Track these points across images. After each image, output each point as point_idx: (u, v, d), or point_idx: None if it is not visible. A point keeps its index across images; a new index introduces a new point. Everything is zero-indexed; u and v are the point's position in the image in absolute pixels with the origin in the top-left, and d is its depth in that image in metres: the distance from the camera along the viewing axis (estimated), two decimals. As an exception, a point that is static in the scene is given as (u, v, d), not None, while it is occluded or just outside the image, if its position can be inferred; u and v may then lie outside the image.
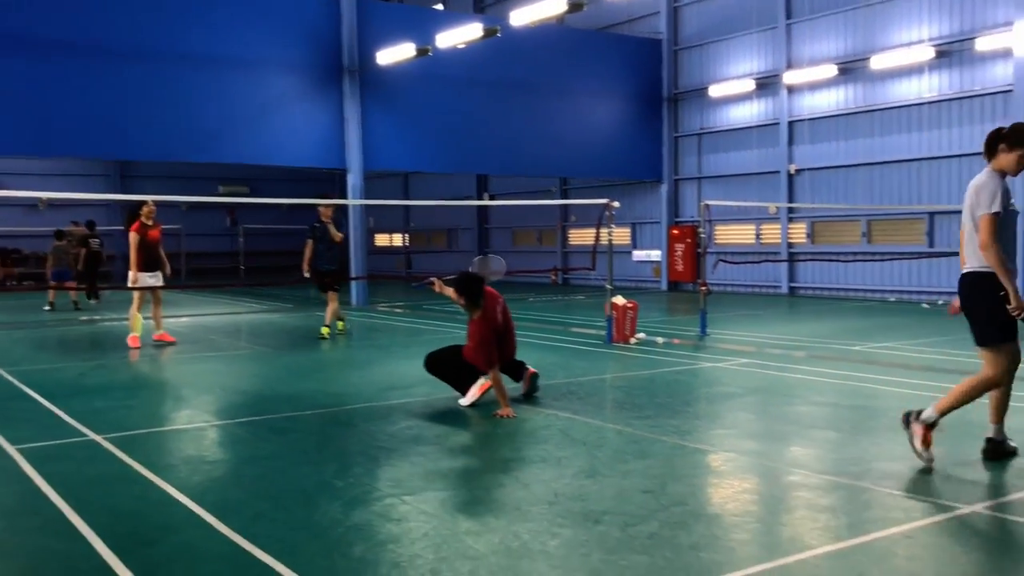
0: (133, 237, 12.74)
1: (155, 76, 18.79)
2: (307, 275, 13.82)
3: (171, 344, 13.03)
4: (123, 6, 18.58)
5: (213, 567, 4.18)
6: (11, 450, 6.47)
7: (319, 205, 14.05)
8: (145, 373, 10.73)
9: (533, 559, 4.18)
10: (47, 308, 20.05)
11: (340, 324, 14.22)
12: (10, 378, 9.91)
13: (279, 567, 4.11)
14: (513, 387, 8.66)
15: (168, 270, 13.31)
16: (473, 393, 8.11)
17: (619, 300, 12.86)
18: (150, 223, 12.93)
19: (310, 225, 13.97)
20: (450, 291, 8.30)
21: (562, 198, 30.17)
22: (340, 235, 13.84)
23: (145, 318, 13.39)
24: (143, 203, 12.96)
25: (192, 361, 11.73)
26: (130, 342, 12.82)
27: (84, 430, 7.16)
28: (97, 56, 18.20)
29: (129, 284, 12.77)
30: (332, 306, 13.77)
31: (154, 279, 13.03)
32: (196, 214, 37.23)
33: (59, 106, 17.85)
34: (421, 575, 4.00)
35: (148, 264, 12.89)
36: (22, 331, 15.59)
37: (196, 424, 7.71)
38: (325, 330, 13.79)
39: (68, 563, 4.25)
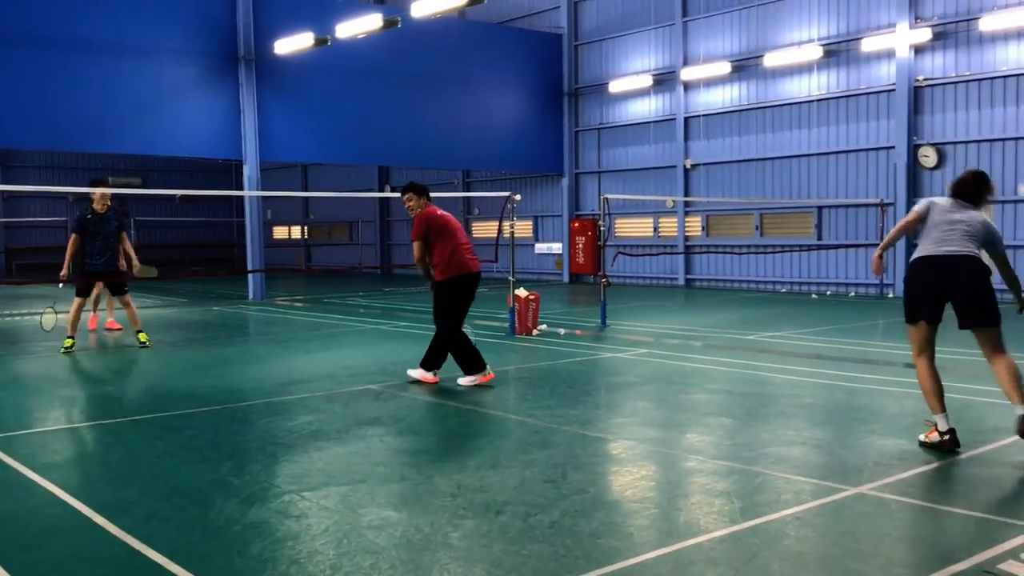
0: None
1: (37, 62, 17.97)
2: (64, 276, 11.72)
3: (116, 330, 13.96)
4: (2, -13, 17.71)
5: (104, 570, 4.03)
6: None
7: (93, 193, 11.81)
8: (29, 371, 10.26)
9: (435, 551, 4.17)
10: None
11: (113, 332, 12.38)
12: None
13: (174, 568, 3.99)
14: (446, 376, 8.64)
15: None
16: (474, 380, 8.57)
17: (521, 292, 12.94)
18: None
19: (80, 216, 11.72)
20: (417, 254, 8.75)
21: (465, 191, 30.16)
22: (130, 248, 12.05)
23: (95, 310, 14.46)
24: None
25: (80, 358, 11.29)
26: (110, 325, 14.01)
27: (-38, 432, 6.81)
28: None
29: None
30: (132, 310, 11.97)
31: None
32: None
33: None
34: (322, 571, 3.95)
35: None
36: None
37: (84, 423, 7.43)
38: (144, 336, 11.95)
39: (-56, 571, 4.04)
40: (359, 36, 19.86)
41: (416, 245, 8.69)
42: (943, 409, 6.03)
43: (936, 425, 6.04)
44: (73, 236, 11.63)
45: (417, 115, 23.47)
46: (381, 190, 33.03)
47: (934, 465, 5.66)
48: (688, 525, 4.55)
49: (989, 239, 6.23)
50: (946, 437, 5.97)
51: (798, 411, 7.37)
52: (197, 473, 5.66)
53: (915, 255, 6.24)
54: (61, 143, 19.94)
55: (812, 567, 3.96)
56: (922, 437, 6.17)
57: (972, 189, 6.42)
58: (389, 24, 18.83)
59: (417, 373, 8.82)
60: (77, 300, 11.77)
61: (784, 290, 21.83)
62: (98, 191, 11.74)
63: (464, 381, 8.64)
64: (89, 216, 11.62)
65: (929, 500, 4.98)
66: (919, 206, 6.44)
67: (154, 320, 16.09)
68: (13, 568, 4.00)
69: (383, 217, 34.62)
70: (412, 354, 10.82)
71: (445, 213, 8.85)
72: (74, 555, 4.22)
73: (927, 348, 6.18)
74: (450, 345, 8.68)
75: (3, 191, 34.84)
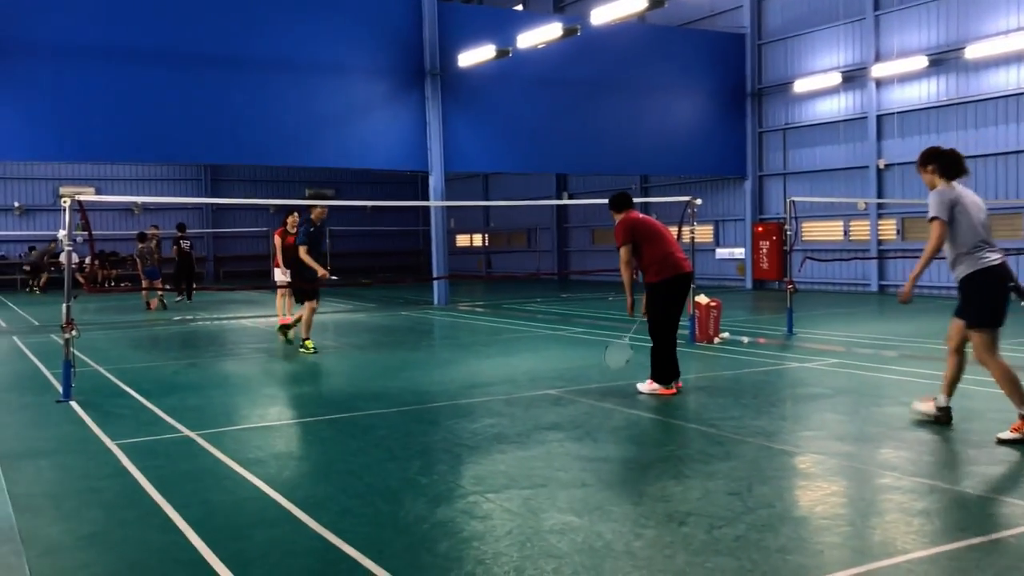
0: (276, 240, 14.73)
1: (244, 83, 19.31)
2: (325, 275, 12.42)
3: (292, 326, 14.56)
4: (214, 16, 19.14)
5: (303, 561, 4.27)
6: (112, 445, 6.74)
7: (317, 206, 12.59)
8: (235, 371, 11.02)
9: (617, 559, 4.16)
10: (156, 307, 20.73)
11: (291, 336, 13.02)
12: (110, 376, 10.31)
13: (367, 562, 4.18)
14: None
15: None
16: (653, 388, 8.46)
17: (702, 299, 12.69)
18: (293, 231, 14.53)
19: (306, 229, 12.33)
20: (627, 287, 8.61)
21: (642, 196, 29.92)
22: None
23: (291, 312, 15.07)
24: (290, 213, 14.59)
25: (280, 360, 12.02)
26: (279, 322, 14.58)
27: (179, 426, 7.40)
28: (189, 64, 18.79)
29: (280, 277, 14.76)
30: (307, 314, 12.50)
31: (287, 276, 14.72)
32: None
33: (152, 113, 18.49)
34: (506, 572, 4.02)
35: (287, 263, 14.53)
36: (120, 331, 16.21)
37: (285, 421, 7.90)
38: (310, 344, 12.33)
39: (166, 555, 4.40)
40: (539, 46, 20.12)
41: (623, 250, 8.46)
42: None
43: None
44: (305, 247, 12.18)
45: (595, 121, 23.50)
46: (559, 197, 33.29)
47: None
48: (883, 545, 4.32)
49: None
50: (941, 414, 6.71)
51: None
52: (388, 471, 5.90)
53: (987, 261, 6.42)
54: (264, 158, 21.35)
55: (1025, 597, 3.67)
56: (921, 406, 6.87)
57: (964, 166, 6.66)
58: (569, 32, 18.97)
59: (648, 387, 8.52)
60: (310, 305, 12.36)
61: (989, 297, 20.33)
62: (319, 204, 12.38)
63: (643, 387, 8.56)
64: (312, 229, 12.30)
65: None
66: (944, 209, 6.39)
67: (345, 324, 16.91)
68: (223, 555, 4.30)
69: (560, 224, 34.89)
70: (589, 360, 10.87)
71: (648, 217, 8.90)
72: (276, 546, 4.50)
73: (997, 347, 6.48)
74: (657, 348, 8.48)
75: (212, 203, 37.59)
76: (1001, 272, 6.46)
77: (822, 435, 6.80)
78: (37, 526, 4.89)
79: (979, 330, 6.44)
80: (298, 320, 12.93)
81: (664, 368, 8.46)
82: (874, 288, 23.01)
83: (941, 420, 6.82)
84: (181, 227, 23.86)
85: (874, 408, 7.81)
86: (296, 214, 14.91)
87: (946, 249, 6.55)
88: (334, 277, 12.37)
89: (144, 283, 21.07)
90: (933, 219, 6.44)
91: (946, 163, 6.60)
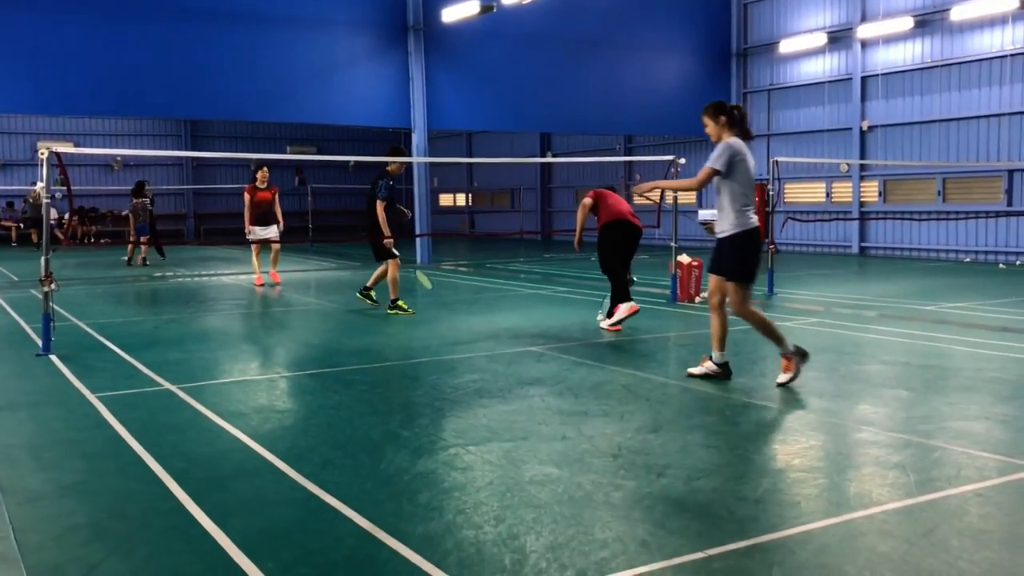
0: (245, 197, 15.19)
1: (225, 37, 19.01)
2: (390, 243, 11.51)
3: (277, 284, 15.45)
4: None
5: (284, 511, 4.29)
6: (92, 398, 6.72)
7: (394, 161, 11.69)
8: (216, 327, 10.98)
9: (596, 509, 4.20)
10: (136, 263, 20.66)
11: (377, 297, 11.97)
12: (90, 331, 10.25)
13: (348, 511, 4.21)
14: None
15: (281, 226, 15.48)
16: (621, 313, 9.76)
17: (684, 258, 12.74)
18: (263, 186, 15.04)
19: (385, 183, 11.45)
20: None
21: (626, 156, 29.84)
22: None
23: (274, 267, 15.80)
24: (259, 168, 15.18)
25: (262, 316, 11.98)
26: (255, 281, 15.48)
27: (159, 380, 7.38)
28: (170, 18, 18.46)
29: (247, 237, 15.26)
30: (392, 271, 11.76)
31: (266, 232, 15.22)
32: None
33: (131, 67, 18.20)
34: (486, 521, 4.06)
35: (259, 220, 15.14)
36: (100, 286, 16.09)
37: (266, 375, 7.90)
38: (403, 303, 11.62)
39: (147, 504, 4.41)
40: (524, 2, 19.90)
41: (587, 199, 10.38)
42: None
43: (712, 358, 7.10)
44: (383, 203, 11.40)
45: (580, 80, 23.33)
46: (543, 156, 33.13)
47: None
48: (859, 496, 4.39)
49: None
50: (721, 369, 7.09)
51: (982, 385, 6.94)
52: (370, 425, 5.92)
53: (752, 222, 6.87)
54: (244, 113, 21.12)
55: (995, 546, 3.74)
56: (696, 371, 7.16)
57: (748, 127, 6.96)
58: (554, -12, 18.75)
59: (610, 320, 9.93)
60: (393, 262, 11.65)
61: (968, 259, 20.50)
62: (396, 160, 11.60)
63: (606, 323, 9.85)
64: (391, 182, 11.49)
65: None
66: (726, 163, 6.74)
67: (329, 282, 16.87)
68: (206, 506, 4.31)
69: (544, 184, 34.77)
70: (572, 319, 10.91)
71: (604, 193, 10.55)
72: (258, 496, 4.51)
73: (750, 300, 7.00)
74: (613, 280, 10.05)
75: (192, 156, 37.14)
76: (758, 233, 6.98)
77: (801, 391, 6.87)
78: (17, 476, 4.89)
79: (739, 285, 6.89)
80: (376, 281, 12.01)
81: (622, 292, 9.90)
82: (855, 250, 23.14)
83: (721, 376, 7.12)
84: (141, 184, 23.41)
85: (853, 366, 7.90)
86: (266, 169, 15.10)
87: (719, 201, 6.93)
88: (395, 252, 11.64)
89: (131, 238, 20.98)
90: (711, 168, 6.80)
91: (735, 119, 6.92)
